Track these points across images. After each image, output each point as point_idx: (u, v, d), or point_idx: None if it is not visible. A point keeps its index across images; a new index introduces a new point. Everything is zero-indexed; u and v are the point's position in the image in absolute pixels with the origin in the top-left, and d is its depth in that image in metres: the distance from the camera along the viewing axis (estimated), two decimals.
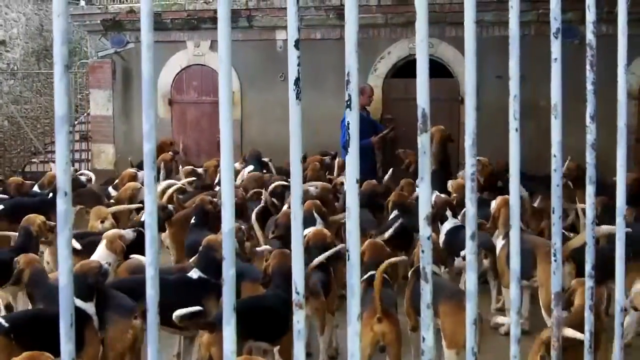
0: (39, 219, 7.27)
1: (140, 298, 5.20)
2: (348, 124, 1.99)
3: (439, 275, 6.10)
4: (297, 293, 1.89)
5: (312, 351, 6.65)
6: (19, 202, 9.21)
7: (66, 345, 1.81)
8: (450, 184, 9.47)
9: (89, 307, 5.33)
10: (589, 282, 2.72)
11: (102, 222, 8.46)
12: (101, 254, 6.52)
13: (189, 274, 5.94)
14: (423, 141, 2.15)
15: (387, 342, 5.26)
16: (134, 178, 10.04)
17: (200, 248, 6.08)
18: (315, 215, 7.41)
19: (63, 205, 1.80)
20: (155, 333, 1.80)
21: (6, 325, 4.93)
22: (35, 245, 7.28)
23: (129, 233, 6.81)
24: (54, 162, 14.10)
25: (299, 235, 1.91)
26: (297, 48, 1.89)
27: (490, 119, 11.33)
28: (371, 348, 5.20)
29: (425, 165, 2.14)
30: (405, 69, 13.14)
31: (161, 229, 7.87)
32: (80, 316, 5.22)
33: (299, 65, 1.90)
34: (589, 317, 2.75)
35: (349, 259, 1.98)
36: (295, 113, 1.91)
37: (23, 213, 7.61)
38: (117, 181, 10.41)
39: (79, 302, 5.30)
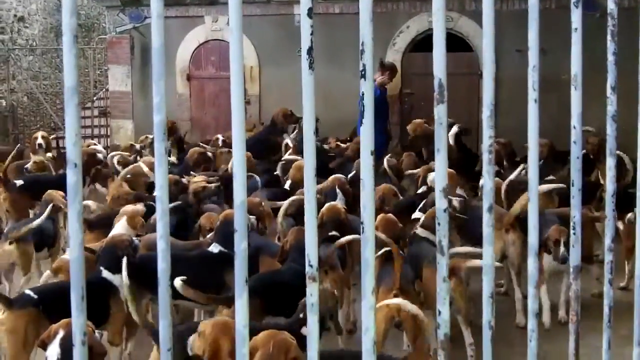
0: (58, 194, 7.40)
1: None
2: (362, 95, 1.96)
3: (431, 241, 6.10)
4: (311, 266, 1.87)
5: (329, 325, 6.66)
6: (38, 178, 9.31)
7: (77, 318, 1.80)
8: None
9: (117, 279, 5.36)
10: (608, 256, 2.68)
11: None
12: (121, 230, 6.55)
13: (210, 249, 5.93)
14: (440, 112, 2.11)
15: (403, 317, 5.25)
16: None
17: (218, 222, 6.07)
18: (338, 191, 7.39)
19: (73, 177, 1.78)
20: (167, 306, 1.78)
21: (35, 297, 4.98)
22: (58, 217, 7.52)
23: (143, 210, 6.85)
24: None
25: (312, 208, 1.88)
26: (310, 17, 1.86)
27: (511, 93, 11.27)
28: (386, 323, 5.18)
29: (441, 137, 2.11)
30: (424, 43, 13.03)
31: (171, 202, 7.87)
32: (107, 287, 5.28)
33: (312, 34, 1.86)
34: (608, 292, 2.71)
35: (363, 232, 1.96)
36: (308, 83, 1.88)
37: (42, 189, 7.74)
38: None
39: (106, 274, 5.35)
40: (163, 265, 1.75)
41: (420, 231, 6.32)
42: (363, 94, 1.95)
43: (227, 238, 5.77)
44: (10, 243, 7.06)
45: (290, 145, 10.45)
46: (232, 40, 1.76)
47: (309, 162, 1.87)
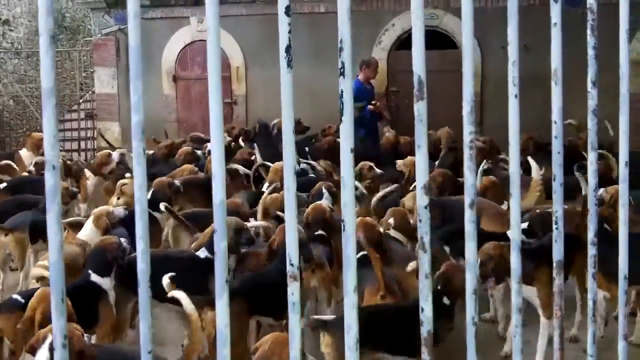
0: (61, 184, 7.48)
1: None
2: (342, 92, 1.96)
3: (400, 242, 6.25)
4: (292, 265, 1.86)
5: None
6: (23, 180, 9.34)
7: (58, 320, 1.78)
8: (399, 163, 9.23)
9: (105, 282, 5.33)
10: (591, 250, 2.69)
11: (118, 198, 8.45)
12: (88, 231, 6.54)
13: (197, 253, 5.89)
14: (419, 109, 2.11)
15: None
16: (108, 158, 10.10)
17: (210, 229, 5.97)
18: (324, 190, 7.37)
19: (52, 179, 1.78)
20: (147, 307, 1.77)
21: (22, 301, 4.96)
22: None
23: (118, 210, 6.79)
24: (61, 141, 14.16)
25: (292, 207, 1.88)
26: (288, 15, 1.85)
27: (497, 89, 11.30)
28: None
29: (421, 134, 2.11)
30: (410, 40, 12.94)
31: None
32: (95, 291, 5.26)
33: (289, 32, 1.86)
34: (592, 286, 2.71)
35: (344, 230, 1.95)
36: (286, 82, 1.87)
37: (27, 189, 7.79)
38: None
39: (95, 277, 5.31)
40: (142, 266, 1.74)
41: (392, 232, 6.36)
42: (342, 92, 1.94)
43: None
44: (6, 234, 7.20)
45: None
46: (209, 40, 1.76)
47: (288, 162, 1.86)
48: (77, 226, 7.12)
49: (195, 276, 5.62)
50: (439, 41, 12.34)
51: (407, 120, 12.00)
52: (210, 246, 5.80)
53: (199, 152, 10.58)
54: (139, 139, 1.75)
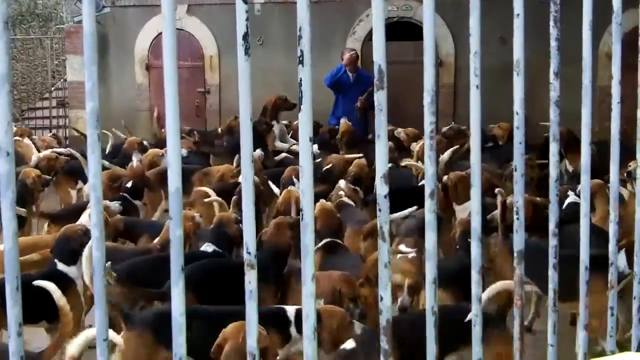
0: (33, 172, 7.56)
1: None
2: (300, 80, 1.95)
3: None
4: (249, 253, 1.86)
5: None
6: None
7: (12, 309, 1.77)
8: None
9: (72, 271, 5.28)
10: (552, 241, 2.71)
11: None
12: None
13: (203, 248, 5.73)
14: (379, 98, 2.11)
15: (367, 305, 5.24)
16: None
17: (212, 226, 5.88)
18: (295, 180, 7.36)
19: (6, 165, 1.76)
20: (102, 295, 1.76)
21: None
22: (31, 197, 7.62)
23: (115, 206, 6.74)
24: (32, 128, 14.04)
25: (249, 196, 1.87)
26: (245, 2, 1.84)
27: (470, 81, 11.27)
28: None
29: (382, 123, 2.11)
30: (385, 31, 12.99)
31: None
32: (62, 280, 5.20)
33: (247, 20, 1.85)
34: (552, 276, 2.74)
35: (303, 219, 1.95)
36: (244, 70, 1.87)
37: None
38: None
39: (61, 266, 5.26)
40: (97, 254, 1.73)
41: (345, 199, 6.74)
42: (301, 80, 1.94)
43: (220, 239, 5.66)
44: None
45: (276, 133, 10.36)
46: (165, 27, 1.74)
47: (245, 152, 1.86)
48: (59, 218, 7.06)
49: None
50: (414, 32, 12.34)
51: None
52: (215, 239, 5.72)
53: (145, 143, 10.52)
54: (93, 126, 1.74)
